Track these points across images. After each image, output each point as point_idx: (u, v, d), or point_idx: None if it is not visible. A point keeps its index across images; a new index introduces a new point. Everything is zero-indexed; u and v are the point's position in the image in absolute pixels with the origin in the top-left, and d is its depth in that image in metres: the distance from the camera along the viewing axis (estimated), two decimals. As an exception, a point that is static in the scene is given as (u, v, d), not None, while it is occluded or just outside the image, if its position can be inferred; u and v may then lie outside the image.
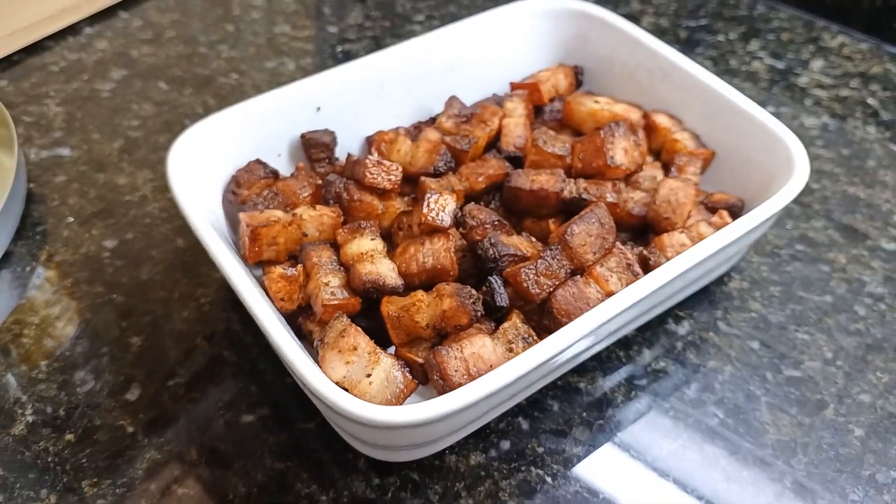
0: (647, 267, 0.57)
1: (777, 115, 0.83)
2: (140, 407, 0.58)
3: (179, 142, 0.61)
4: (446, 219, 0.58)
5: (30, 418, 0.57)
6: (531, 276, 0.55)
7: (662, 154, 0.67)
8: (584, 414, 0.58)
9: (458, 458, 0.56)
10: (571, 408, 0.59)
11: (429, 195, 0.59)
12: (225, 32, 0.91)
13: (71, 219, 0.71)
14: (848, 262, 0.69)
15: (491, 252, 0.57)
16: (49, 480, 0.53)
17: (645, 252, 0.58)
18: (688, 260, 0.53)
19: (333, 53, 0.88)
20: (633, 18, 0.94)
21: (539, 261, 0.55)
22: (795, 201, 0.74)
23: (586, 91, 0.75)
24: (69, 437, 0.56)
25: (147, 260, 0.67)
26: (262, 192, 0.63)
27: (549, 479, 0.55)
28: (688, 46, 0.90)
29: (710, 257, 0.54)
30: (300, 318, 0.57)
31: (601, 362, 0.61)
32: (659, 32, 0.92)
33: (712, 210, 0.62)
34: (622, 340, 0.63)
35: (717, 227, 0.59)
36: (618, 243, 0.57)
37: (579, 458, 0.56)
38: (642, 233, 0.63)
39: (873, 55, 0.91)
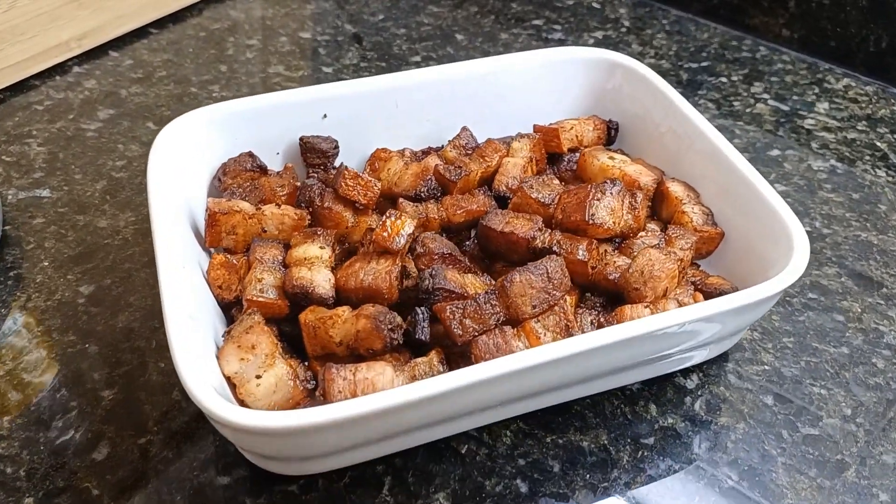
0: None
1: (783, 157, 0.80)
2: (108, 467, 0.53)
3: (173, 124, 0.63)
4: (399, 241, 0.56)
5: (-12, 478, 0.53)
6: (457, 315, 0.52)
7: (670, 228, 0.64)
8: (588, 476, 0.54)
9: (450, 523, 0.51)
10: (574, 469, 0.54)
11: (388, 215, 0.57)
12: (217, 72, 0.89)
13: (46, 263, 0.67)
14: (863, 311, 0.66)
15: (427, 283, 0.54)
16: (5, 548, 0.49)
17: (602, 320, 0.55)
18: (617, 333, 0.49)
19: (327, 94, 0.86)
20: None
21: (469, 301, 0.52)
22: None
23: (617, 148, 0.72)
24: (28, 501, 0.51)
25: (125, 307, 0.64)
26: (245, 182, 0.64)
27: (549, 548, 0.50)
28: (690, 89, 0.88)
29: (658, 333, 0.50)
30: (234, 310, 0.57)
31: (605, 419, 0.57)
32: (661, 74, 0.90)
33: (701, 292, 0.58)
34: (627, 395, 0.59)
35: None
36: (563, 303, 0.54)
37: (582, 525, 0.51)
38: (619, 301, 0.59)
39: (879, 97, 0.88)
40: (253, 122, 0.66)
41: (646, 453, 0.56)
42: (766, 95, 0.88)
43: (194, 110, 0.65)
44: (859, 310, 0.66)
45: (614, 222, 0.60)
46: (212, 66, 0.90)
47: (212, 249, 0.62)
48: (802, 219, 0.73)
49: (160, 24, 0.96)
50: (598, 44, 0.95)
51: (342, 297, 0.57)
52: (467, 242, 0.64)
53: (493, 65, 0.72)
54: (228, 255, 0.59)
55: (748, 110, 0.86)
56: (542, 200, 0.61)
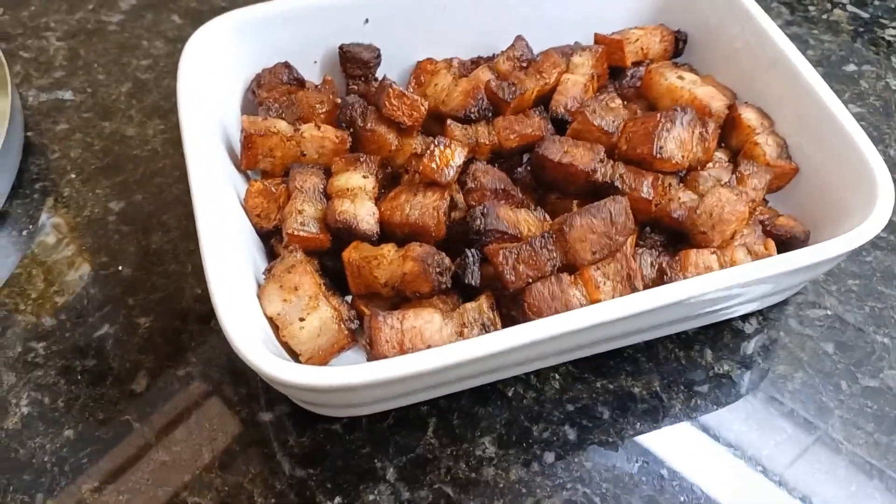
0: (661, 282, 0.50)
1: (859, 73, 0.73)
2: (148, 400, 0.52)
3: (201, 31, 0.58)
4: (448, 174, 0.53)
5: (24, 410, 0.52)
6: (510, 259, 0.49)
7: (740, 156, 0.58)
8: (638, 424, 0.52)
9: (496, 471, 0.50)
10: (624, 416, 0.53)
11: (435, 143, 0.53)
12: (244, -42, 0.81)
13: (73, 175, 0.64)
14: (937, 254, 0.62)
15: (478, 222, 0.51)
16: (45, 483, 0.49)
17: (664, 264, 0.51)
18: (685, 290, 0.46)
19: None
20: (701, -47, 0.83)
21: (524, 245, 0.49)
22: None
23: (684, 62, 0.66)
24: (68, 433, 0.51)
25: (157, 226, 0.61)
26: (281, 97, 0.59)
27: (597, 501, 0.49)
28: (762, -12, 0.80)
29: (725, 292, 0.47)
30: (273, 239, 0.55)
31: (658, 363, 0.55)
32: (729, -29, 0.82)
33: (769, 235, 0.54)
34: (682, 338, 0.56)
35: (759, 259, 0.51)
36: (625, 248, 0.50)
37: (631, 477, 0.50)
38: (682, 240, 0.55)
39: (971, 5, 0.80)
40: (288, 27, 0.61)
41: (699, 402, 0.54)
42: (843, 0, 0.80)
43: (223, 15, 0.59)
44: (932, 251, 0.62)
45: (683, 156, 0.55)
46: (239, -50, 0.82)
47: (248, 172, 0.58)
48: (876, 145, 0.67)
49: None
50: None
51: (386, 230, 0.54)
52: (519, 169, 0.60)
53: (553, -37, 0.65)
54: (266, 182, 0.55)
55: (824, 17, 0.78)
56: (605, 128, 0.56)
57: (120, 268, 0.59)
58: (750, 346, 0.56)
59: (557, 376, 0.54)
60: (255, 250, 0.54)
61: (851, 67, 0.74)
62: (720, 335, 0.57)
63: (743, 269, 0.47)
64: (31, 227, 0.61)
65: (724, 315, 0.55)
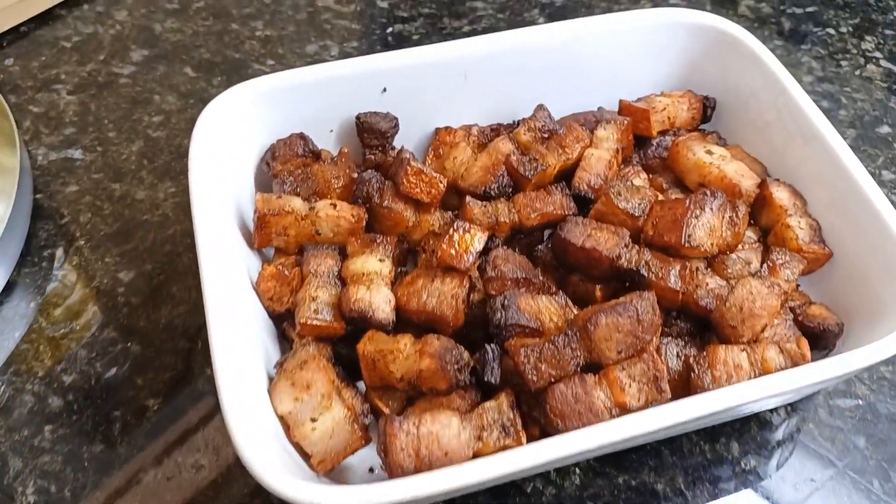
0: (687, 378, 0.48)
1: (894, 136, 0.71)
2: (155, 491, 0.51)
3: (216, 102, 0.56)
4: (467, 259, 0.51)
5: (31, 498, 0.50)
6: (532, 358, 0.47)
7: (770, 237, 0.56)
8: (662, 527, 0.51)
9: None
10: (647, 518, 0.51)
11: (455, 227, 0.52)
12: (261, 4, 0.80)
13: (82, 241, 0.62)
14: (975, 338, 0.59)
15: (499, 316, 0.49)
16: (52, 587, 0.47)
17: (691, 359, 0.49)
18: (719, 401, 0.44)
19: (383, 36, 0.77)
20: (731, 2, 0.81)
21: (546, 344, 0.47)
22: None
23: (711, 130, 0.64)
24: (75, 532, 0.49)
25: (167, 298, 0.60)
26: (296, 170, 0.58)
27: None
28: (792, 42, 0.78)
29: (756, 403, 0.45)
30: (285, 323, 0.53)
31: (682, 457, 0.53)
32: (759, 21, 0.79)
33: (800, 326, 0.52)
34: (708, 430, 0.54)
35: (791, 359, 0.49)
36: (652, 348, 0.48)
37: (654, 586, 0.48)
38: (709, 327, 0.53)
39: None
40: (304, 96, 0.59)
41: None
42: (878, 54, 0.77)
43: (239, 85, 0.57)
44: (970, 335, 0.59)
45: (712, 243, 0.53)
46: (254, -5, 0.81)
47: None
48: (912, 216, 0.65)
49: (196, -61, 0.86)
50: (688, -22, 0.83)
51: (403, 315, 0.52)
52: (540, 246, 0.58)
53: (574, 30, 0.63)
54: (279, 266, 0.54)
55: (857, 72, 0.76)
56: (631, 212, 0.54)
57: (129, 344, 0.57)
58: (777, 438, 0.54)
59: (578, 471, 0.53)
60: (266, 336, 0.52)
61: (886, 129, 0.71)
62: (747, 427, 0.55)
63: (776, 380, 0.45)
64: (38, 298, 0.59)
65: (750, 411, 0.53)
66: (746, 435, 0.54)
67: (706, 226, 0.52)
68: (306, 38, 0.77)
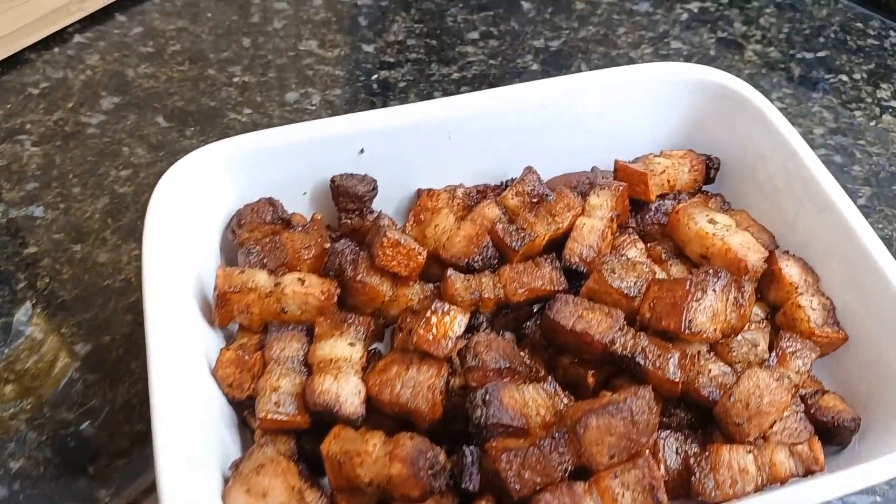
0: (687, 479, 0.44)
1: (913, 193, 0.66)
2: None
3: (178, 166, 0.52)
4: (445, 345, 0.47)
5: None
6: (515, 464, 0.42)
7: (779, 315, 0.51)
8: None
9: None
10: None
11: (433, 308, 0.47)
12: (240, 48, 0.76)
13: (38, 310, 0.58)
14: None
15: (479, 413, 0.44)
16: None
17: (691, 458, 0.44)
18: None
19: (368, 83, 0.73)
20: (737, 45, 0.76)
21: (531, 448, 0.42)
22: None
23: (716, 192, 0.59)
24: None
25: (125, 375, 0.55)
26: (264, 238, 0.54)
27: None
28: (802, 89, 0.73)
29: None
30: (246, 412, 0.49)
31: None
32: (768, 66, 0.75)
33: (812, 419, 0.47)
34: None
35: (803, 463, 0.44)
36: (648, 453, 0.43)
37: None
38: (712, 418, 0.48)
39: None
40: (276, 158, 0.55)
41: None
42: (894, 103, 0.72)
43: (205, 147, 0.53)
44: None
45: (716, 329, 0.48)
46: (233, 38, 0.77)
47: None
48: (933, 285, 0.60)
49: (175, -23, 0.82)
50: (694, 19, 0.79)
51: (375, 405, 0.47)
52: (528, 323, 0.53)
53: (566, 87, 0.58)
54: (239, 351, 0.49)
55: (872, 123, 0.71)
56: (626, 292, 0.49)
57: (81, 427, 0.53)
58: (789, 541, 0.49)
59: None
60: (224, 427, 0.48)
61: (903, 185, 0.66)
62: (754, 528, 0.49)
63: (786, 496, 0.40)
64: (-14, 375, 0.55)
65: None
66: (753, 536, 0.49)
67: (709, 310, 0.48)
68: (287, 84, 0.72)
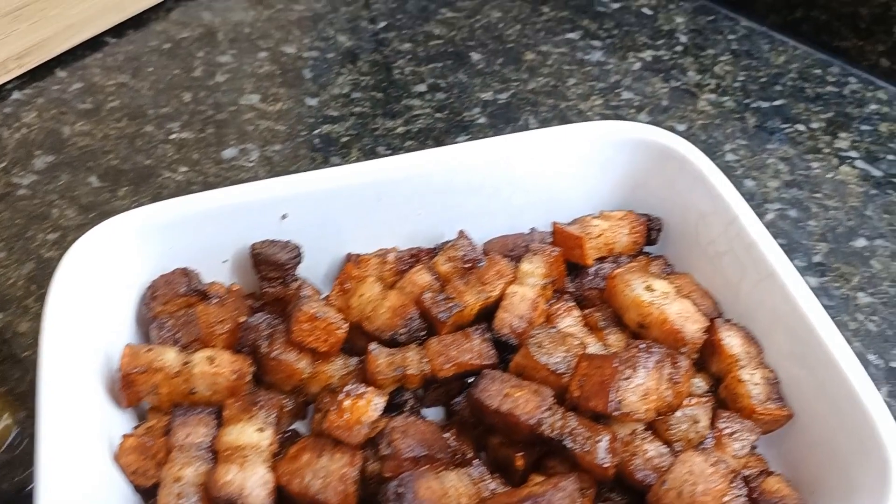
0: None
1: (870, 250, 0.63)
2: None
3: (87, 238, 0.50)
4: (358, 431, 0.44)
5: None
6: None
7: (721, 388, 0.49)
8: None
9: None
10: None
11: (346, 391, 0.45)
12: (179, 103, 0.74)
13: (-50, 387, 0.55)
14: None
15: None
16: None
17: None
18: None
19: (309, 139, 0.71)
20: (691, 95, 0.74)
21: None
22: (895, 395, 0.55)
23: (660, 254, 0.57)
24: None
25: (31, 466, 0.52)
26: (178, 311, 0.51)
27: None
28: (757, 141, 0.71)
29: None
30: (151, 501, 0.45)
31: None
32: (722, 117, 0.73)
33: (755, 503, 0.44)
34: None
35: None
36: None
37: None
38: None
39: None
40: (192, 227, 0.53)
41: None
42: (853, 153, 0.70)
43: (114, 218, 0.51)
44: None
45: (648, 408, 0.45)
46: (174, 93, 0.75)
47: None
48: (892, 348, 0.58)
49: (119, 30, 0.80)
50: (646, 68, 0.77)
51: (286, 495, 0.44)
52: (458, 399, 0.50)
53: (502, 148, 0.56)
54: (142, 436, 0.46)
55: (829, 175, 0.69)
56: (555, 368, 0.47)
57: (-13, 515, 0.50)
58: None
59: None
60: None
61: (862, 242, 0.64)
62: None
63: None
64: None
65: None
66: None
67: (640, 388, 0.45)
68: (225, 140, 0.70)
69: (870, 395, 0.43)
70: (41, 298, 0.59)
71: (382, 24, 0.81)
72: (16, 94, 0.75)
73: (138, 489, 0.46)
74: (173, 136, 0.71)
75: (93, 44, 0.79)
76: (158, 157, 0.69)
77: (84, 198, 0.66)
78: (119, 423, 0.48)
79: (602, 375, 0.45)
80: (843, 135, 0.72)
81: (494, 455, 0.48)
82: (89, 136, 0.71)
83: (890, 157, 0.70)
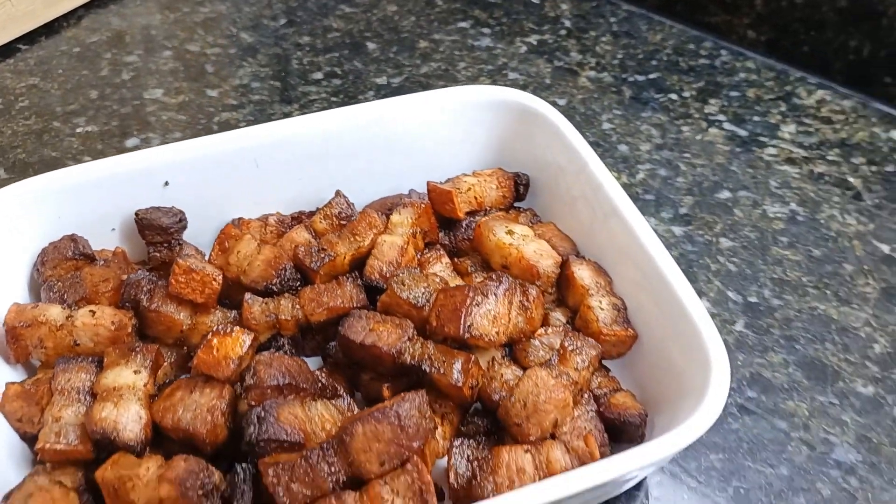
0: (468, 487, 0.44)
1: (734, 200, 0.68)
2: None
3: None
4: (227, 366, 0.47)
5: None
6: (283, 478, 0.42)
7: (577, 319, 0.53)
8: None
9: None
10: None
11: (214, 331, 0.48)
12: (86, 100, 0.77)
13: None
14: (812, 415, 0.55)
15: (251, 430, 0.44)
16: None
17: (478, 461, 0.45)
18: None
19: (208, 126, 0.74)
20: (571, 73, 0.79)
21: (299, 460, 0.42)
22: (750, 327, 0.59)
23: (528, 207, 0.61)
24: None
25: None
26: (66, 275, 0.54)
27: None
28: (632, 110, 0.76)
29: None
30: (36, 447, 0.47)
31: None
32: (600, 91, 0.77)
33: (602, 417, 0.47)
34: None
35: (578, 458, 0.45)
36: (416, 460, 0.43)
37: None
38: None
39: (858, 115, 0.76)
40: (80, 196, 0.55)
41: None
42: (721, 116, 0.75)
43: (7, 187, 0.54)
44: (807, 412, 0.55)
45: (498, 332, 0.49)
46: (81, 91, 0.78)
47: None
48: (749, 285, 0.62)
49: (31, 37, 0.83)
50: (532, 51, 0.82)
51: (162, 432, 0.47)
52: (331, 344, 0.53)
53: (378, 111, 0.60)
54: (30, 380, 0.49)
55: (698, 137, 0.73)
56: (415, 301, 0.50)
57: None
58: (597, 542, 0.49)
59: None
60: (10, 462, 0.47)
61: (725, 194, 0.68)
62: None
63: (539, 490, 0.40)
64: None
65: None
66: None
67: (490, 313, 0.48)
68: (129, 131, 0.73)
69: (697, 309, 0.47)
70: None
71: (283, 21, 0.85)
72: (-74, 99, 0.78)
73: (24, 437, 0.48)
74: (79, 130, 0.74)
75: (4, 51, 0.82)
76: (64, 149, 0.72)
77: (-10, 188, 0.69)
78: (11, 379, 0.50)
79: (455, 303, 0.49)
80: (712, 101, 0.77)
81: (366, 391, 0.51)
82: (-3, 134, 0.74)
83: (756, 118, 0.75)
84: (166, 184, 0.57)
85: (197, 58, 0.81)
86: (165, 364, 0.52)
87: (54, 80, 0.79)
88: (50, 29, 0.85)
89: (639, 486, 0.51)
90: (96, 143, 0.73)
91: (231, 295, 0.54)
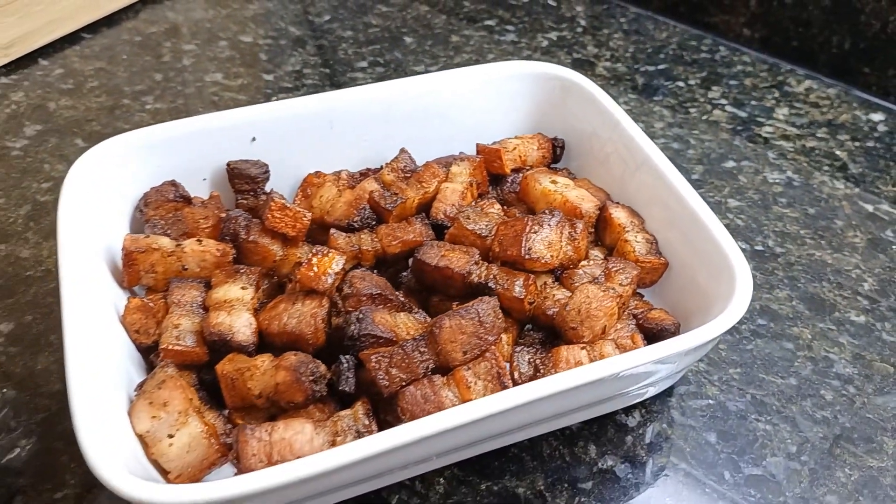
0: (534, 378, 0.52)
1: (738, 169, 0.77)
2: (18, 528, 0.51)
3: (89, 153, 0.59)
4: (325, 280, 0.54)
5: None
6: (383, 364, 0.49)
7: (614, 253, 0.61)
8: (521, 526, 0.52)
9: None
10: (507, 519, 0.52)
11: (314, 252, 0.54)
12: (152, 82, 0.85)
13: (-37, 298, 0.64)
14: (814, 338, 0.64)
15: (353, 328, 0.51)
16: None
17: (538, 361, 0.53)
18: (548, 386, 0.46)
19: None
20: (589, 64, 0.89)
21: (396, 349, 0.50)
22: (758, 269, 0.68)
23: (562, 167, 0.70)
24: (-69, 569, 0.49)
25: (45, 346, 0.61)
26: (168, 214, 0.61)
27: None
28: (645, 94, 0.85)
29: (590, 387, 0.48)
30: (152, 355, 0.54)
31: (542, 462, 0.55)
32: (615, 79, 0.87)
33: (641, 328, 0.56)
34: (567, 434, 0.57)
35: (626, 351, 0.53)
36: (494, 349, 0.51)
37: (513, 582, 0.50)
38: (560, 336, 0.56)
39: (842, 101, 0.86)
40: (177, 148, 0.63)
41: (583, 499, 0.54)
42: (723, 101, 0.85)
43: (112, 138, 0.61)
44: (809, 336, 0.64)
45: (552, 255, 0.57)
46: (146, 74, 0.86)
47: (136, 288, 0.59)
48: (755, 237, 0.71)
49: (93, 28, 0.91)
50: (553, 45, 0.91)
51: (267, 341, 0.54)
52: (404, 273, 0.61)
53: (432, 82, 0.68)
54: (146, 298, 0.56)
55: (704, 117, 0.83)
56: (479, 232, 0.58)
57: (4, 391, 0.58)
58: (633, 440, 0.57)
59: (443, 480, 0.54)
60: (132, 367, 0.54)
61: (731, 164, 0.78)
62: (604, 430, 0.57)
63: (603, 364, 0.48)
64: (-86, 353, 0.60)
65: (603, 409, 0.56)
66: (603, 437, 0.57)
67: (545, 240, 0.57)
68: (194, 109, 0.81)
69: (721, 232, 0.56)
70: (39, 231, 0.69)
71: (327, 18, 0.94)
72: (3, 80, 0.85)
73: (139, 348, 0.55)
74: (148, 107, 0.82)
75: (71, 38, 0.89)
76: (136, 122, 0.80)
77: (72, 156, 0.76)
78: (122, 301, 0.57)
79: (516, 231, 0.57)
80: (715, 88, 0.87)
81: (435, 310, 0.59)
82: (73, 109, 0.81)
83: (753, 102, 0.85)
84: (253, 139, 0.64)
85: (251, 47, 0.90)
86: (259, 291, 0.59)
87: (119, 65, 0.87)
88: (111, 21, 0.93)
89: (670, 391, 0.59)
90: (166, 118, 0.80)
91: (313, 235, 0.62)
